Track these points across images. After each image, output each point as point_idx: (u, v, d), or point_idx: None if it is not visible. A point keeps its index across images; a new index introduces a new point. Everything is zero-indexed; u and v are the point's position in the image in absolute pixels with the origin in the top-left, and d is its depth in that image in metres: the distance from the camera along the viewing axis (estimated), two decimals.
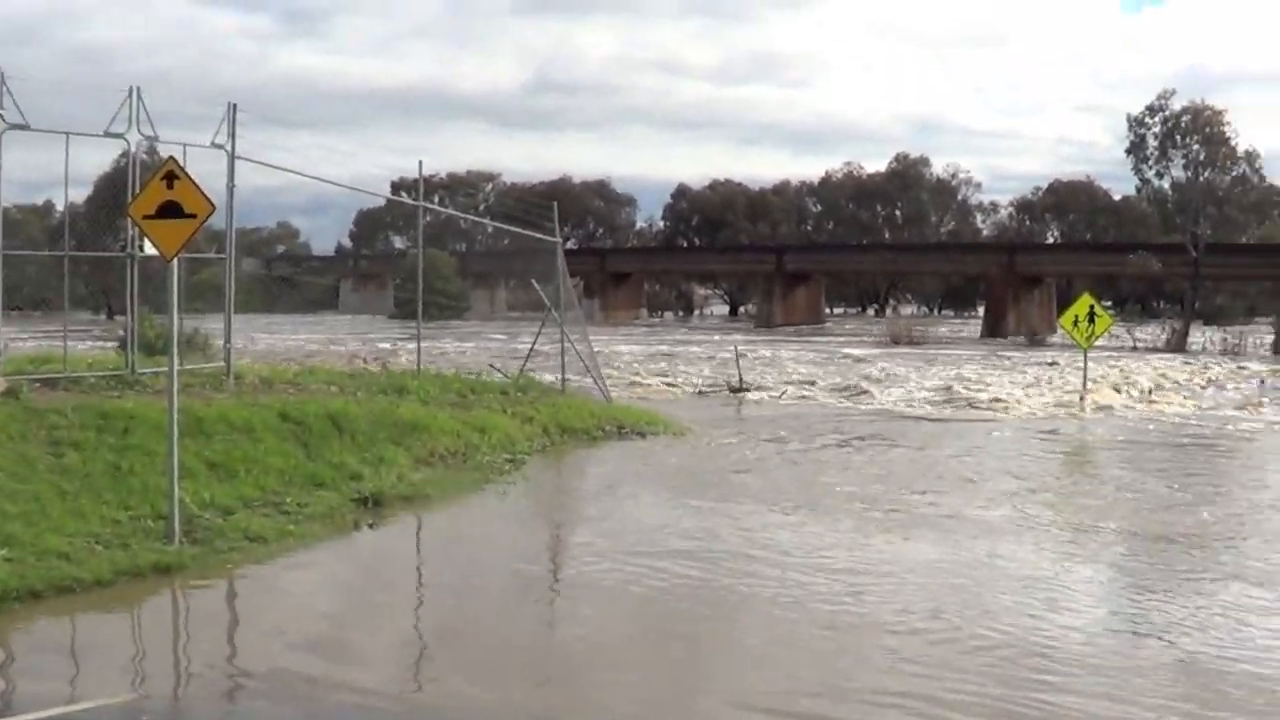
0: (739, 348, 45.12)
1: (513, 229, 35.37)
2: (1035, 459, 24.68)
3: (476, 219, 72.62)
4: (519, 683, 9.78)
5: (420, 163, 30.51)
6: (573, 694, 9.54)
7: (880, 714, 9.09)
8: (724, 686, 9.68)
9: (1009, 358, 56.11)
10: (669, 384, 40.16)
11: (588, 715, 9.13)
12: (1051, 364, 50.53)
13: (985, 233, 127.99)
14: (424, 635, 11.37)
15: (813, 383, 41.48)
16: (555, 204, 31.89)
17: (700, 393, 37.87)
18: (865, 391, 38.80)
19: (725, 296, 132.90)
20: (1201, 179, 77.73)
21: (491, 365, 35.20)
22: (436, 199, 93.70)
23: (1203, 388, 44.16)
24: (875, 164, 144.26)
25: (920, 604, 12.21)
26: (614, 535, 15.56)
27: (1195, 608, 12.39)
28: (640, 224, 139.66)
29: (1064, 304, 40.04)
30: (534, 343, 31.46)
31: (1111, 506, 18.85)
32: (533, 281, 33.09)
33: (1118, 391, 39.80)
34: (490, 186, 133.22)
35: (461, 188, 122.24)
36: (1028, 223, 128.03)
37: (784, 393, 37.89)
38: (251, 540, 14.01)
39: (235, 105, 21.65)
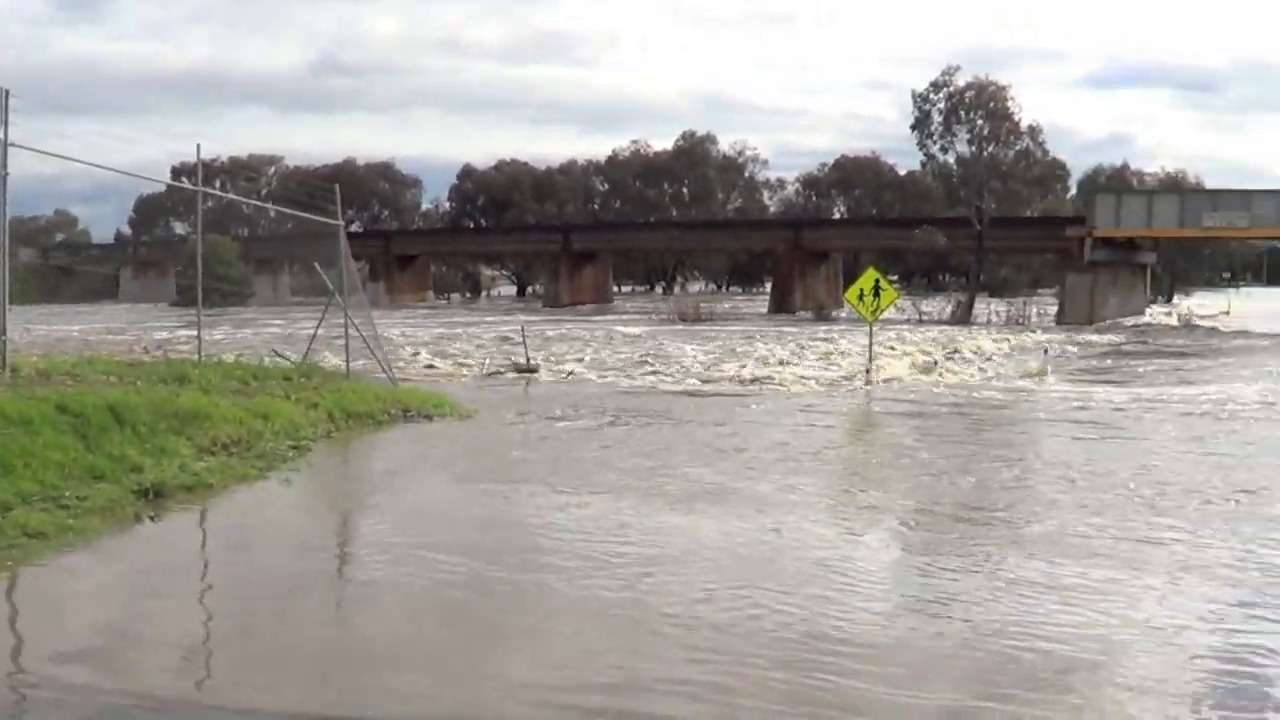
0: (526, 328, 45.23)
1: (295, 213, 35.12)
2: (821, 432, 25.13)
3: (259, 203, 71.68)
4: (302, 680, 9.64)
5: (199, 146, 29.84)
6: (358, 691, 9.38)
7: (671, 703, 9.13)
8: (515, 680, 9.60)
9: (796, 332, 56.92)
10: (456, 366, 40.13)
11: (372, 712, 8.99)
12: (837, 338, 51.37)
13: (772, 209, 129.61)
14: (204, 633, 11.08)
15: (600, 361, 41.81)
16: (337, 186, 31.72)
17: (487, 374, 37.92)
18: (653, 370, 39.19)
19: (513, 277, 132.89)
20: (985, 154, 79.61)
21: (275, 351, 34.88)
22: (219, 184, 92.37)
23: (988, 358, 45.36)
24: (663, 142, 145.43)
25: (709, 585, 12.32)
26: (400, 523, 15.47)
27: (979, 580, 12.78)
28: (426, 206, 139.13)
29: (851, 279, 40.84)
30: (317, 328, 31.23)
31: (895, 478, 19.31)
32: (316, 266, 32.83)
33: (903, 364, 40.74)
34: (274, 170, 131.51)
35: (244, 172, 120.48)
36: (814, 199, 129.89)
37: (571, 372, 38.14)
38: (31, 537, 13.78)
39: (8, 91, 21.21)
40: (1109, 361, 46.80)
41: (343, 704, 9.11)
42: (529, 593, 12.12)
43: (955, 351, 47.06)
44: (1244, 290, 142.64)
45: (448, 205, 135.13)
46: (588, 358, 43.23)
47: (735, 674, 9.65)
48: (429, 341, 50.81)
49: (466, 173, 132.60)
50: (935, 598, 11.96)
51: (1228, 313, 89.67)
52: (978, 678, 9.66)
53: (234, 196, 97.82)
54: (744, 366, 39.79)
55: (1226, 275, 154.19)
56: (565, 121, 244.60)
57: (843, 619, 11.16)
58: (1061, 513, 16.03)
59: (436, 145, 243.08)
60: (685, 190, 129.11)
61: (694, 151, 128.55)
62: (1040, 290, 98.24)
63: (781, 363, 41.27)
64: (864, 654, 10.17)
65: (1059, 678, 9.62)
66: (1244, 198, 74.76)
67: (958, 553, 13.92)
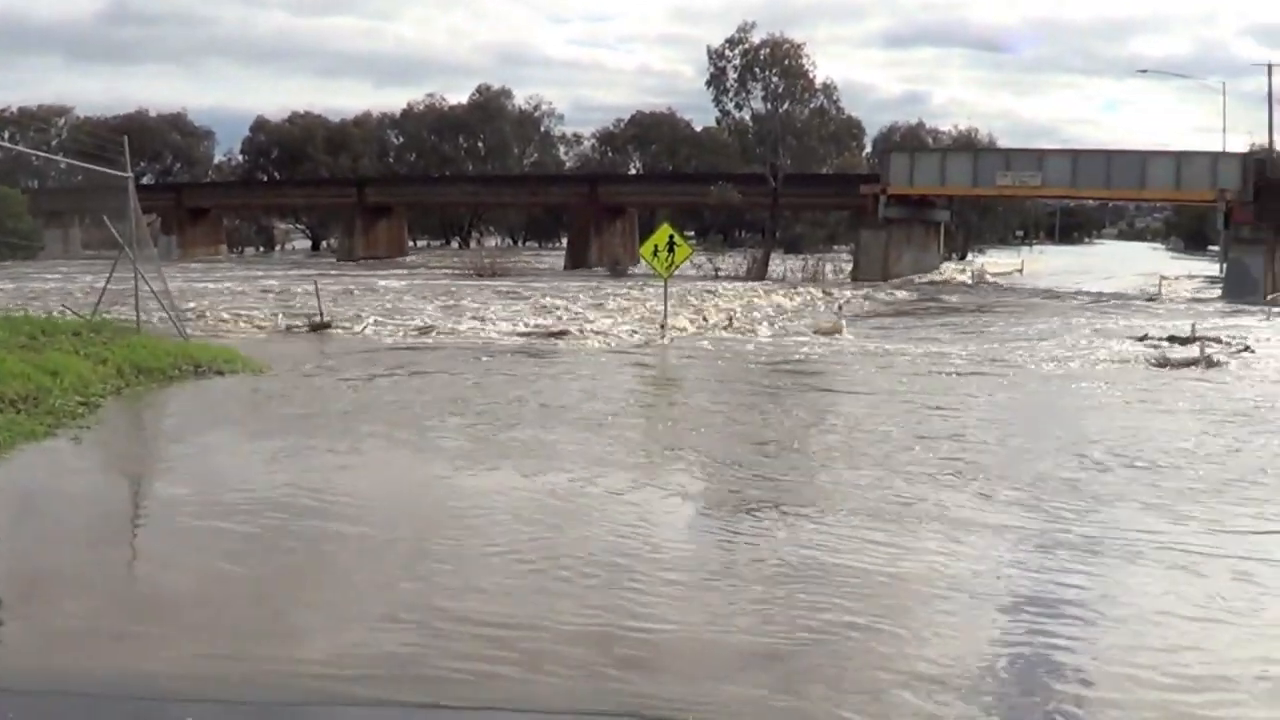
0: (320, 283, 45.00)
1: (84, 165, 34.61)
2: (616, 386, 25.60)
3: (48, 155, 70.14)
4: (96, 644, 9.50)
5: None
6: (157, 650, 9.30)
7: (479, 646, 9.35)
8: (318, 643, 9.54)
9: (592, 288, 57.22)
10: (248, 321, 39.81)
11: (171, 671, 8.90)
12: (633, 293, 51.73)
13: (569, 165, 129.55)
14: None
15: (394, 316, 41.70)
16: (126, 138, 31.35)
17: (280, 329, 37.72)
18: (447, 324, 39.24)
19: (307, 231, 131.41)
20: (781, 111, 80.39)
21: (64, 306, 34.43)
22: (8, 135, 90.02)
23: (782, 314, 46.19)
24: (458, 96, 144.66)
25: (513, 534, 12.70)
26: (192, 480, 15.49)
27: (762, 528, 13.34)
28: (219, 158, 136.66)
29: (646, 234, 41.27)
30: (107, 282, 30.94)
31: (687, 431, 19.86)
32: (105, 219, 32.45)
33: (697, 319, 41.33)
34: (64, 121, 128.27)
35: (33, 123, 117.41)
36: (610, 155, 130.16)
37: (365, 327, 38.06)
38: None
39: None
40: (905, 318, 47.97)
41: (136, 666, 9.07)
42: (317, 544, 12.32)
43: (750, 307, 47.78)
44: (1036, 248, 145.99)
45: (241, 158, 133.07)
46: (382, 312, 43.06)
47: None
48: (222, 296, 50.30)
49: (260, 125, 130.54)
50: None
51: (1020, 270, 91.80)
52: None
53: (22, 149, 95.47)
54: (539, 322, 40.04)
55: (1019, 233, 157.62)
56: (360, 74, 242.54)
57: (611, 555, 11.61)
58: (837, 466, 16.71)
59: (230, 97, 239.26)
60: (481, 145, 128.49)
61: (490, 106, 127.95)
62: (836, 247, 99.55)
63: (576, 318, 41.60)
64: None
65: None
66: (1036, 157, 76.47)
67: (755, 512, 14.45)
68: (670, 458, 17.34)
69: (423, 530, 13.08)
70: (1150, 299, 62.29)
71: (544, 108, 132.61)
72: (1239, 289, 63.51)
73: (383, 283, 59.84)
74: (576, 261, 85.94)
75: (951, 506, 14.24)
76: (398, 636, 9.62)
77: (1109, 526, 13.37)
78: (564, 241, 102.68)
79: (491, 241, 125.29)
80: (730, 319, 42.06)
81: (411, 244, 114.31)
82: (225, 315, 40.96)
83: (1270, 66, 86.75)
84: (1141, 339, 36.82)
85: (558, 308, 45.47)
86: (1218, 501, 14.73)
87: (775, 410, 22.59)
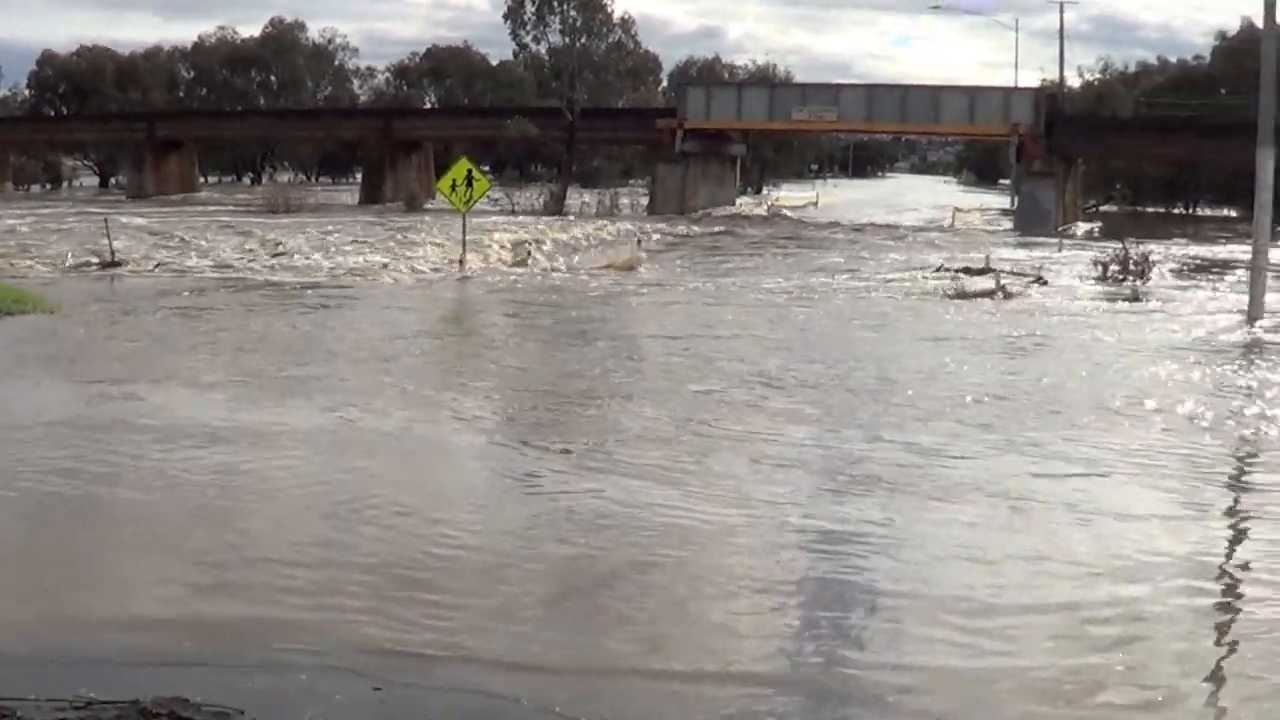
0: (110, 220, 44.14)
1: None
2: (414, 323, 25.68)
3: None
4: None
5: None
6: None
7: (279, 599, 9.19)
8: (106, 596, 9.31)
9: (387, 223, 56.86)
10: (36, 259, 38.91)
11: None
12: (430, 228, 51.50)
13: (363, 99, 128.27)
14: None
15: (187, 252, 41.07)
16: None
17: (70, 268, 36.95)
18: (242, 261, 38.85)
19: (95, 168, 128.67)
20: (578, 45, 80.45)
21: None
22: None
23: (579, 247, 46.45)
24: (251, 29, 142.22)
25: (310, 475, 12.76)
26: None
27: (565, 464, 13.63)
28: (4, 93, 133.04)
29: (443, 169, 41.13)
30: None
31: (486, 366, 20.08)
32: None
33: (496, 254, 41.38)
34: None
35: None
36: (405, 89, 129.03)
37: (158, 265, 37.52)
38: None
39: None
40: (703, 251, 48.47)
41: None
42: (141, 500, 12.20)
43: (548, 241, 47.90)
44: (830, 182, 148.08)
45: (28, 92, 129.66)
46: (174, 249, 42.39)
47: None
48: (7, 234, 49.13)
49: (47, 59, 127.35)
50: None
51: (815, 204, 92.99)
52: None
53: None
54: (336, 257, 39.79)
55: (814, 167, 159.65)
56: (148, 6, 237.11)
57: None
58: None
59: (15, 29, 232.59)
60: (274, 79, 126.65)
61: (283, 39, 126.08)
62: (632, 181, 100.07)
63: (373, 252, 41.38)
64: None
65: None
66: (831, 91, 77.45)
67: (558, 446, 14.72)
68: (452, 395, 17.47)
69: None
70: (945, 230, 63.64)
71: (338, 41, 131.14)
72: (1031, 221, 65.08)
73: (173, 219, 58.81)
74: (371, 197, 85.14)
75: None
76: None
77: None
78: (359, 177, 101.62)
79: (285, 177, 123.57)
80: (528, 253, 42.12)
81: (203, 180, 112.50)
82: (11, 254, 39.97)
83: (1062, 3, 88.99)
84: (938, 269, 37.70)
85: (354, 243, 45.02)
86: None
87: (569, 346, 22.86)
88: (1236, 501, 12.48)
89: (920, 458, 13.50)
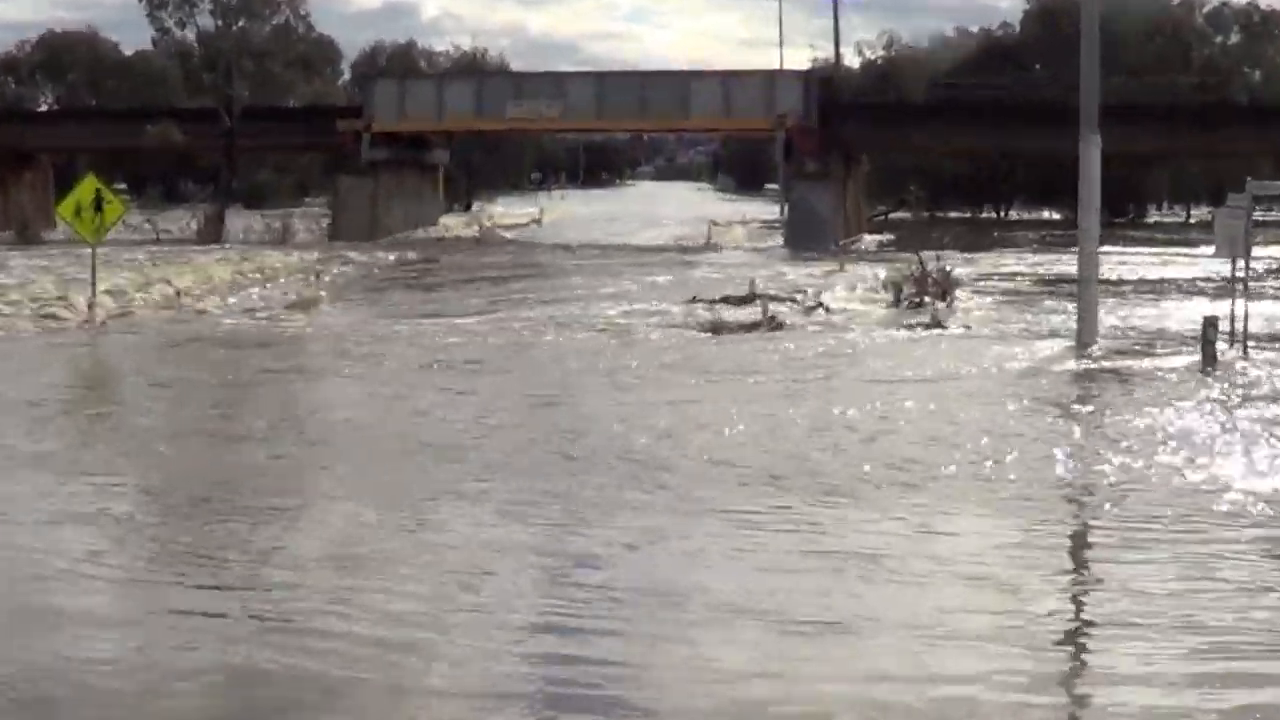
0: None
1: None
2: (37, 386, 25.07)
3: None
4: None
5: None
6: None
7: None
8: None
9: None
10: None
11: None
12: (51, 265, 50.46)
13: None
14: None
15: None
16: None
17: None
18: None
19: None
20: (235, 28, 80.00)
21: None
22: None
23: (244, 284, 45.96)
24: None
25: None
26: None
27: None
28: None
29: (66, 189, 40.41)
30: None
31: (138, 430, 19.81)
32: None
33: (142, 294, 40.71)
34: None
35: None
36: (14, 86, 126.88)
37: None
38: None
39: None
40: (400, 285, 48.34)
41: None
42: None
43: (203, 279, 47.27)
44: (557, 194, 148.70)
45: None
46: None
47: None
48: None
49: None
50: None
51: (539, 221, 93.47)
52: None
53: None
54: None
55: (536, 176, 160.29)
56: None
57: None
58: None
59: None
60: None
61: None
62: (309, 199, 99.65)
63: None
64: None
65: None
66: (555, 81, 78.04)
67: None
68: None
69: None
70: (699, 249, 64.29)
71: None
72: (805, 234, 65.76)
73: None
74: None
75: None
76: None
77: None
78: None
79: None
80: (179, 293, 41.49)
81: None
82: None
83: None
84: (690, 301, 37.62)
85: None
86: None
87: (227, 405, 22.65)
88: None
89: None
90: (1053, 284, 42.36)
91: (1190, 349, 26.52)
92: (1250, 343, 26.87)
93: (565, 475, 16.42)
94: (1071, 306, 30.30)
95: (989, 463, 16.75)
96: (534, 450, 18.01)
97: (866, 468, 16.59)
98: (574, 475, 16.41)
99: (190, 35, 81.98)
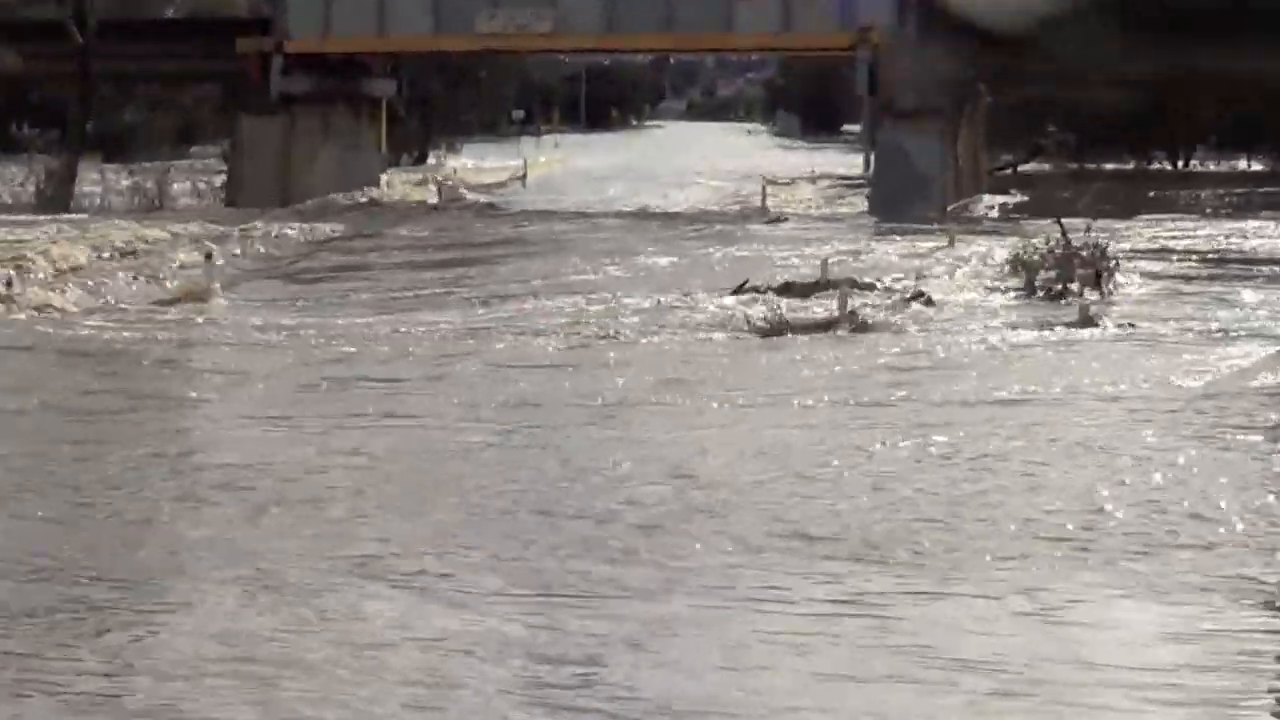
0: None
1: None
2: None
3: None
4: None
5: None
6: None
7: None
8: None
9: None
10: None
11: None
12: None
13: None
14: None
15: None
16: None
17: None
18: None
19: None
20: None
21: None
22: None
23: (106, 270, 45.87)
24: None
25: None
26: None
27: None
28: None
29: None
30: None
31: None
32: None
33: None
34: None
35: None
36: None
37: None
38: None
39: None
40: (328, 271, 48.21)
41: None
42: None
43: (47, 261, 47.15)
44: (550, 139, 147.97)
45: None
46: None
47: None
48: None
49: None
50: None
51: (523, 179, 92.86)
52: None
53: None
54: None
55: (519, 115, 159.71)
56: None
57: None
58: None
59: None
60: None
61: None
62: (196, 148, 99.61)
63: None
64: None
65: None
66: None
67: None
68: None
69: None
70: (761, 215, 63.90)
71: None
72: (899, 196, 64.45)
73: None
74: None
75: None
76: None
77: None
78: None
79: None
80: (9, 283, 41.35)
81: None
82: None
83: None
84: (738, 290, 37.04)
85: None
86: None
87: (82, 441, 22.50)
88: None
89: None
90: (1254, 264, 41.96)
91: None
92: None
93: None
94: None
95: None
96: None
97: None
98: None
99: None
